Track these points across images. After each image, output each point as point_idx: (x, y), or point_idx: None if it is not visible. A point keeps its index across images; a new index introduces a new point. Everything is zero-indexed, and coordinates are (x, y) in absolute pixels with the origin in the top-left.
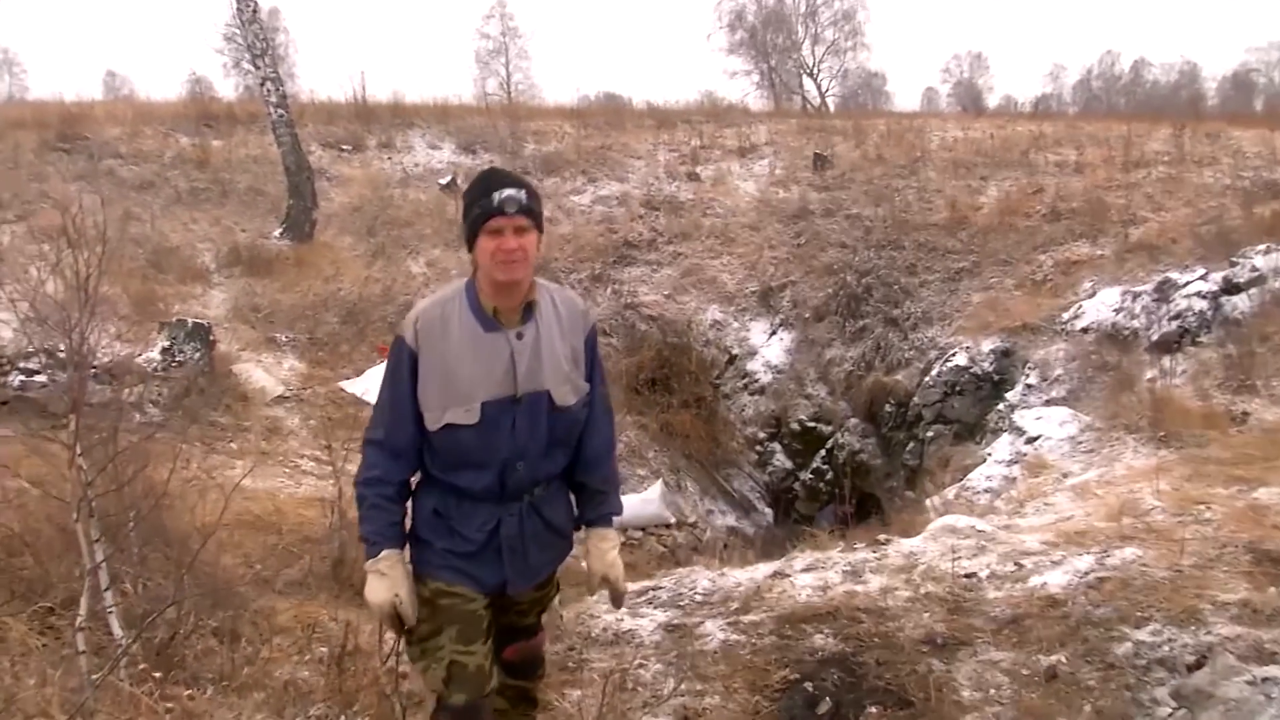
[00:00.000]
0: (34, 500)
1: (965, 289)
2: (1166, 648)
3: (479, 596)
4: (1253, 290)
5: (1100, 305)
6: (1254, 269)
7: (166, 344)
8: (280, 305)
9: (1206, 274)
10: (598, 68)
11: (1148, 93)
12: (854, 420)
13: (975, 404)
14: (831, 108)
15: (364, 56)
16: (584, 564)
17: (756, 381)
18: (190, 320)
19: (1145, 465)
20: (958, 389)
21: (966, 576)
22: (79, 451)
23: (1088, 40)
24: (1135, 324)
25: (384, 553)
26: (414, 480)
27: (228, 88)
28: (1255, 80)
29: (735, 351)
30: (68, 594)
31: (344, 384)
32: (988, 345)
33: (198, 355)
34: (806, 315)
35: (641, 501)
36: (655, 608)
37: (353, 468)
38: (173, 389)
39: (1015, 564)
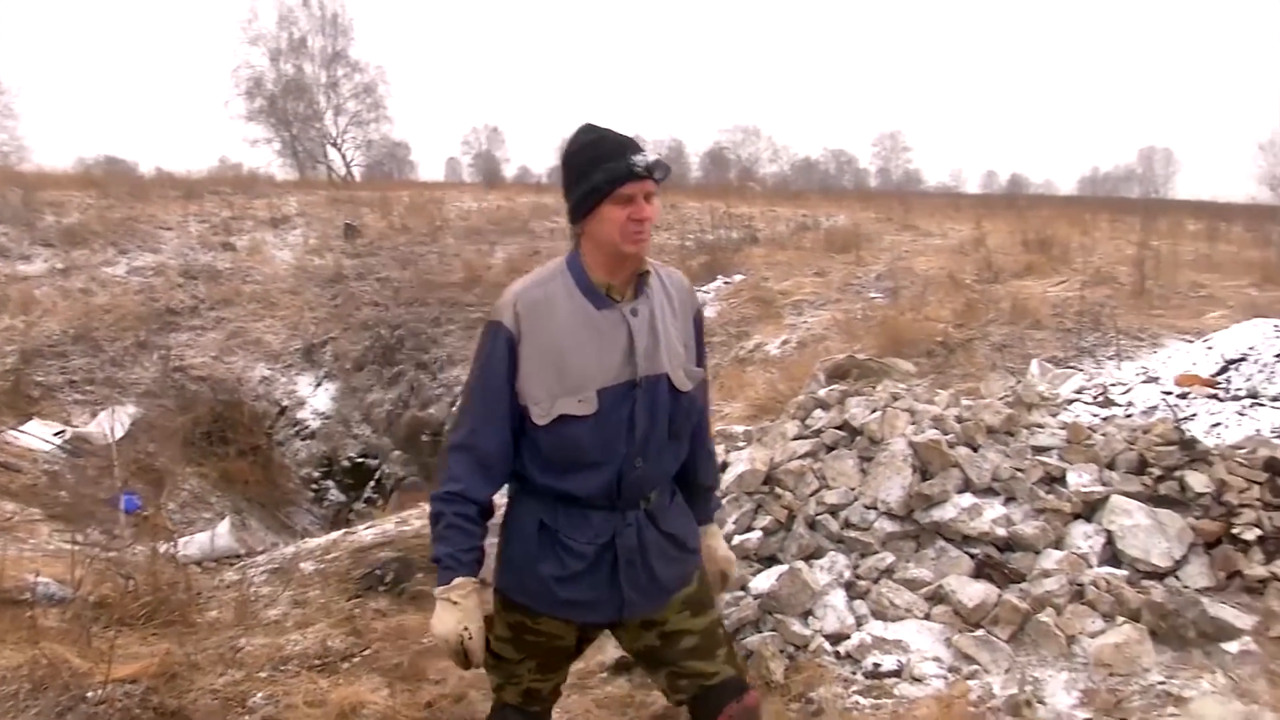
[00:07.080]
0: None
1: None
2: None
3: (569, 634)
4: None
5: None
6: None
7: None
8: None
9: None
10: (99, 129)
11: None
12: (397, 452)
13: None
14: (357, 177)
15: None
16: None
17: (307, 428)
18: None
19: None
20: None
21: None
22: None
23: (590, 117)
24: None
25: (458, 580)
26: (499, 500)
27: None
28: (728, 156)
29: (285, 403)
30: None
31: None
32: None
33: None
34: (348, 366)
35: (213, 536)
36: (260, 569)
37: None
38: None
39: None
